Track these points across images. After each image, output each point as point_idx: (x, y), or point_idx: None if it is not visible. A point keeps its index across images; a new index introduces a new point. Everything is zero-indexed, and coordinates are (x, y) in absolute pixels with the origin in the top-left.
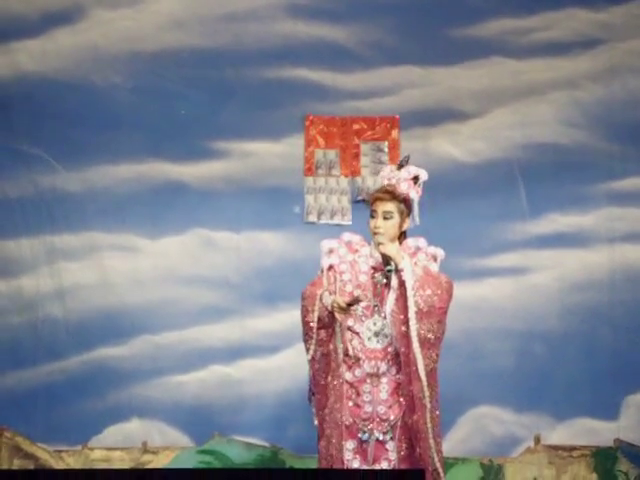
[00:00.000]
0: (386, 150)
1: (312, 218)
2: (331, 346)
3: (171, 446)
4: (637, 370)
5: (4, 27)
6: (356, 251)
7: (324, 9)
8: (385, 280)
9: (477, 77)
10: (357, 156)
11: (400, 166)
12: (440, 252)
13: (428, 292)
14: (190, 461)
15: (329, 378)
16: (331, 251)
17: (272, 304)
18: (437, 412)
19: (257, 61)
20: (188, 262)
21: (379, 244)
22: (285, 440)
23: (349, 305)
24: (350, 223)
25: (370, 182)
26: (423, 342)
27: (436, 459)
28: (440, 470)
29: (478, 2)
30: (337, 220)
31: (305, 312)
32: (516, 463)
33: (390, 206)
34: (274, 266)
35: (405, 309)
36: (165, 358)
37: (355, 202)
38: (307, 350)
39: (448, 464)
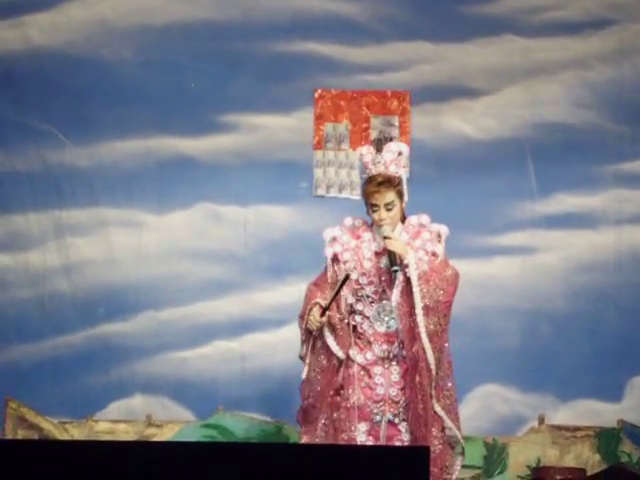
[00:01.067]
0: (397, 124)
1: (321, 192)
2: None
3: (175, 420)
4: None
5: (14, 1)
6: (359, 237)
7: None
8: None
9: (489, 54)
10: (367, 130)
11: (378, 146)
12: (444, 229)
13: (434, 287)
14: (194, 435)
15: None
16: (334, 239)
17: (279, 278)
18: (450, 385)
19: (267, 34)
20: (195, 237)
21: (385, 238)
22: (289, 415)
23: (324, 312)
24: (359, 197)
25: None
26: (430, 335)
27: (458, 433)
28: (462, 441)
29: None
30: (346, 194)
31: (300, 319)
32: (520, 442)
33: (390, 196)
34: (282, 240)
35: (410, 303)
36: (169, 333)
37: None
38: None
39: None
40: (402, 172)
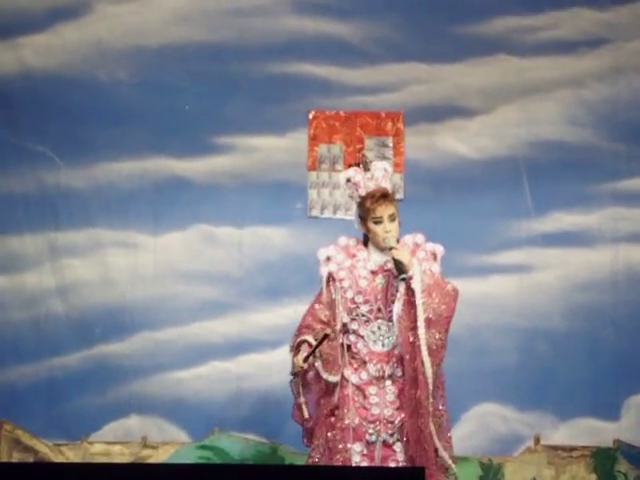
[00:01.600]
0: (391, 145)
1: (315, 213)
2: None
3: (171, 441)
4: (639, 371)
5: (9, 22)
6: (354, 255)
7: (330, 4)
8: (382, 285)
9: (483, 74)
10: (361, 151)
11: (365, 167)
12: (439, 249)
13: (436, 301)
14: (189, 456)
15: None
16: (328, 259)
17: (274, 299)
18: (442, 407)
19: (262, 56)
20: (190, 258)
21: (391, 249)
22: (285, 436)
23: (306, 358)
24: (353, 218)
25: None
26: (430, 350)
27: (446, 457)
28: (452, 466)
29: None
30: (340, 215)
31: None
32: (516, 463)
33: (392, 208)
34: (277, 261)
35: (412, 316)
36: (165, 354)
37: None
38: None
39: None
40: (390, 187)
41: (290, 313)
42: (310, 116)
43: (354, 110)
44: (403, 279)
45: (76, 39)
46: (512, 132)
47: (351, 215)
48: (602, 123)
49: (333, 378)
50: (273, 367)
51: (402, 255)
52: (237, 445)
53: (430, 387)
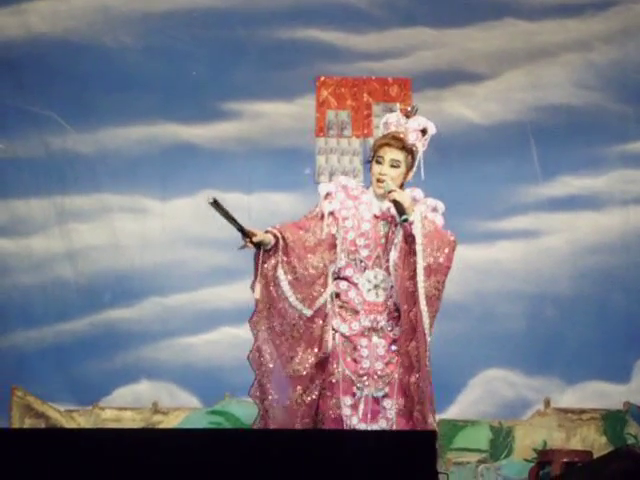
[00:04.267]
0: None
1: (324, 179)
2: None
3: (181, 407)
4: None
5: None
6: (356, 197)
7: None
8: (384, 231)
9: (490, 39)
10: (369, 117)
11: (407, 115)
12: (440, 204)
13: (436, 247)
14: (200, 422)
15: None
16: (329, 194)
17: None
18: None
19: (269, 21)
20: (198, 224)
21: (391, 191)
22: None
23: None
24: (362, 184)
25: None
26: (428, 298)
27: (431, 419)
28: (436, 428)
29: None
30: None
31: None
32: (526, 426)
33: (398, 154)
34: None
35: (410, 264)
36: (175, 320)
37: (367, 163)
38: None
39: (458, 427)
40: (419, 146)
41: None
42: (318, 82)
43: (361, 76)
44: (405, 220)
45: (82, 4)
46: (519, 97)
47: (359, 181)
48: (610, 86)
49: (303, 308)
50: None
51: (402, 197)
52: (248, 410)
53: (428, 339)
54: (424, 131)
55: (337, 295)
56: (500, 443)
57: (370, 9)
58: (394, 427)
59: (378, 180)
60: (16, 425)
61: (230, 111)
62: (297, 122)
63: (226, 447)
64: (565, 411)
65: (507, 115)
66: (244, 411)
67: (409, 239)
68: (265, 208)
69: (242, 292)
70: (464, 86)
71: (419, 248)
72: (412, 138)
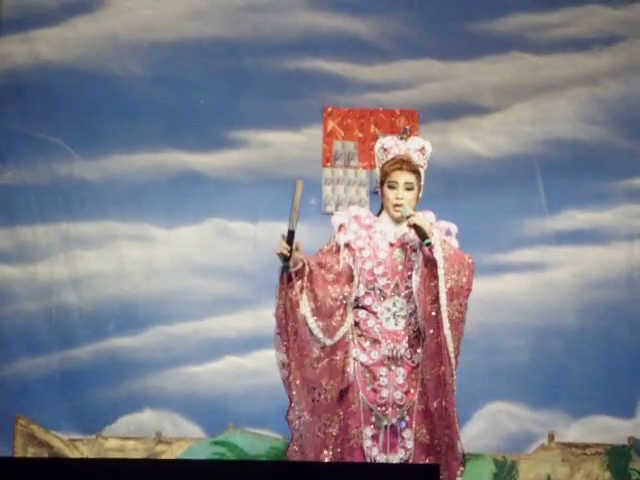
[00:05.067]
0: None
1: (330, 209)
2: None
3: (185, 437)
4: None
5: (24, 16)
6: (369, 227)
7: (345, 1)
8: (401, 259)
9: (497, 72)
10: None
11: (402, 138)
12: (453, 227)
13: (457, 270)
14: (204, 452)
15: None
16: (342, 226)
17: None
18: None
19: (277, 52)
20: (204, 252)
21: (410, 216)
22: None
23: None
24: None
25: None
26: (453, 322)
27: (459, 445)
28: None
29: None
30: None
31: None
32: (530, 460)
33: (410, 177)
34: None
35: (431, 289)
36: (179, 349)
37: (375, 193)
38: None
39: None
40: (422, 165)
41: None
42: (325, 112)
43: (368, 107)
44: (428, 244)
45: (91, 33)
46: (526, 130)
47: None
48: (617, 121)
49: (324, 338)
50: None
51: (422, 222)
52: (251, 441)
53: (453, 362)
54: (423, 150)
55: (356, 324)
56: (504, 477)
57: (378, 41)
58: (412, 457)
59: (395, 205)
60: (19, 454)
61: (237, 140)
62: (304, 152)
63: (229, 478)
64: (569, 445)
65: (514, 148)
66: (247, 442)
67: (429, 263)
68: (271, 238)
69: (247, 321)
70: (471, 119)
71: (441, 272)
72: (416, 158)
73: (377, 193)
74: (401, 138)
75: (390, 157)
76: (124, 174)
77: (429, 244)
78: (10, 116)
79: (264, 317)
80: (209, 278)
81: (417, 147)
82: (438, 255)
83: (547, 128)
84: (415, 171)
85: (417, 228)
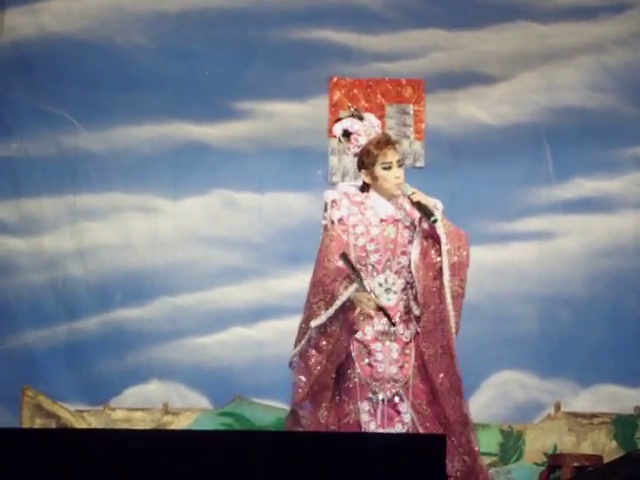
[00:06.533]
0: (411, 113)
1: (336, 179)
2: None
3: (192, 408)
4: None
5: None
6: (360, 203)
7: None
8: (393, 235)
9: (503, 41)
10: (382, 118)
11: (360, 117)
12: (439, 203)
13: (457, 245)
14: (211, 423)
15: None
16: (334, 202)
17: (295, 265)
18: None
19: (282, 22)
20: (210, 223)
21: (413, 194)
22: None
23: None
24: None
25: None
26: (455, 297)
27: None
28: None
29: None
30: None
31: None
32: (536, 430)
33: (397, 155)
34: (297, 227)
35: (430, 265)
36: (185, 320)
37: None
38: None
39: None
40: None
41: (310, 279)
42: (331, 82)
43: (374, 77)
44: (434, 221)
45: (96, 4)
46: (533, 99)
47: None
48: (624, 88)
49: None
50: (294, 333)
51: (426, 199)
52: (258, 412)
53: (454, 336)
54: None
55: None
56: (510, 447)
57: (383, 10)
58: (409, 431)
59: (395, 184)
60: (27, 425)
61: (242, 111)
62: (310, 122)
63: (236, 449)
64: (576, 415)
65: (520, 117)
66: (254, 413)
67: (429, 239)
68: (277, 208)
69: (253, 292)
70: (477, 88)
71: (445, 248)
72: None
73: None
74: (359, 118)
75: (364, 139)
76: (129, 145)
77: (435, 221)
78: (15, 88)
79: (270, 288)
80: (215, 249)
81: (377, 122)
82: (441, 231)
83: (554, 96)
84: (397, 148)
85: (420, 206)
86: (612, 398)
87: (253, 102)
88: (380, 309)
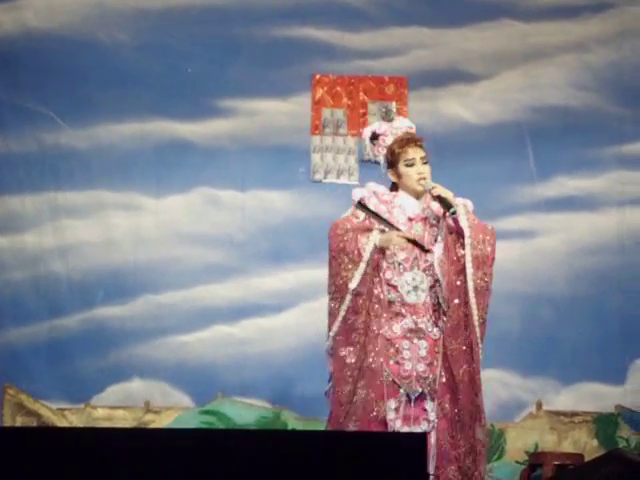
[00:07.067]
0: (394, 110)
1: (318, 177)
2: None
3: (174, 406)
4: None
5: None
6: (388, 202)
7: None
8: (420, 233)
9: (486, 39)
10: (365, 115)
11: (390, 120)
12: (469, 203)
13: (482, 238)
14: (192, 421)
15: (366, 330)
16: (362, 199)
17: (277, 263)
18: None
19: (265, 19)
20: (192, 221)
21: (433, 188)
22: (288, 401)
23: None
24: (357, 183)
25: None
26: (478, 291)
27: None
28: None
29: None
30: (344, 180)
31: (353, 245)
32: (518, 428)
33: (422, 152)
34: (280, 225)
35: (454, 260)
36: (167, 317)
37: (363, 161)
38: (339, 289)
39: None
40: None
41: (293, 277)
42: (314, 80)
43: (357, 74)
44: (454, 212)
45: (77, 1)
46: (515, 97)
47: (355, 180)
48: (607, 87)
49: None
50: (276, 331)
51: (446, 192)
52: (240, 410)
53: (478, 331)
54: (413, 129)
55: (377, 298)
56: (492, 445)
57: (366, 8)
58: (435, 429)
59: (420, 180)
60: (7, 423)
61: (225, 108)
62: (292, 120)
63: (218, 448)
64: (557, 414)
65: (503, 115)
66: (236, 411)
67: (453, 234)
68: (259, 206)
69: (235, 290)
70: (460, 86)
71: (467, 241)
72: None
73: (369, 161)
74: (388, 120)
75: (390, 139)
76: (112, 143)
77: (454, 212)
78: None
79: (252, 285)
80: (198, 247)
81: (407, 124)
82: (464, 224)
83: (537, 95)
84: (422, 146)
85: (441, 199)
86: (593, 396)
87: (236, 100)
88: (411, 240)
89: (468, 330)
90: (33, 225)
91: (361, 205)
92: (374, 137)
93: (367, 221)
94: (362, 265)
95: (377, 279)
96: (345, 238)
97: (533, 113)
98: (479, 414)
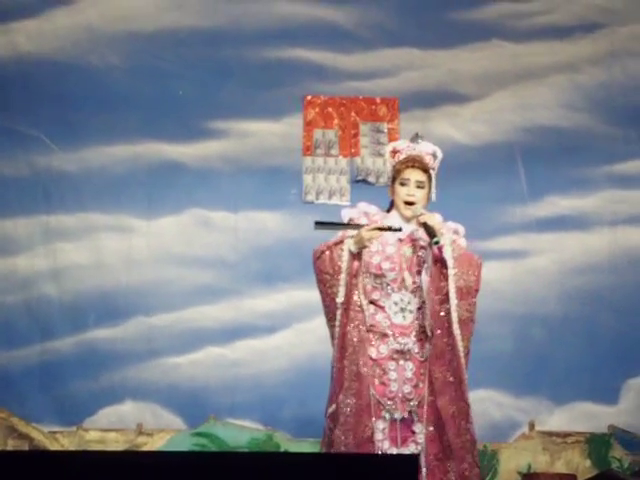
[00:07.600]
0: (385, 131)
1: (310, 198)
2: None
3: (166, 428)
4: (638, 353)
5: (1, 7)
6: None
7: None
8: (409, 254)
9: (477, 60)
10: (356, 136)
11: (414, 140)
12: (461, 228)
13: (466, 270)
14: (184, 444)
15: (352, 353)
16: (351, 220)
17: (269, 284)
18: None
19: (256, 41)
20: (184, 242)
21: (420, 214)
22: (280, 423)
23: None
24: (349, 203)
25: (369, 163)
26: (463, 322)
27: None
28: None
29: None
30: (335, 200)
31: (329, 261)
32: (510, 449)
33: (422, 176)
34: (272, 246)
35: (440, 288)
36: (160, 339)
37: (355, 182)
38: (329, 308)
39: None
40: (434, 168)
41: (285, 299)
42: (306, 101)
43: (349, 95)
44: (437, 242)
45: (68, 24)
46: (507, 118)
47: (346, 201)
48: (597, 107)
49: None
50: (268, 353)
51: (433, 221)
52: (232, 432)
53: (462, 361)
54: (434, 154)
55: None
56: (485, 466)
57: (357, 29)
58: (423, 451)
59: (407, 202)
60: None
61: (216, 130)
62: (284, 141)
63: (210, 470)
64: (550, 434)
65: (494, 136)
66: (228, 433)
67: (438, 263)
68: (251, 227)
69: (227, 311)
70: (451, 107)
71: (451, 272)
72: (426, 161)
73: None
74: (413, 142)
75: (402, 157)
76: (103, 165)
77: (437, 243)
78: None
79: (245, 307)
80: (189, 268)
81: (429, 150)
82: (448, 255)
83: (528, 115)
84: (426, 171)
85: (427, 227)
86: (586, 416)
87: (227, 121)
88: (384, 228)
89: (454, 361)
90: (25, 248)
91: (318, 224)
92: (394, 152)
93: (343, 235)
94: (343, 276)
95: (354, 284)
96: (322, 257)
97: (524, 133)
98: (469, 445)
